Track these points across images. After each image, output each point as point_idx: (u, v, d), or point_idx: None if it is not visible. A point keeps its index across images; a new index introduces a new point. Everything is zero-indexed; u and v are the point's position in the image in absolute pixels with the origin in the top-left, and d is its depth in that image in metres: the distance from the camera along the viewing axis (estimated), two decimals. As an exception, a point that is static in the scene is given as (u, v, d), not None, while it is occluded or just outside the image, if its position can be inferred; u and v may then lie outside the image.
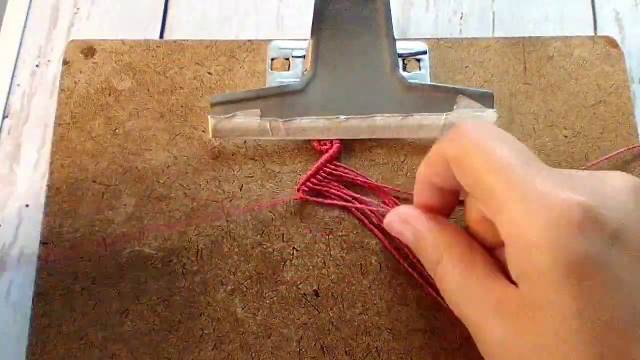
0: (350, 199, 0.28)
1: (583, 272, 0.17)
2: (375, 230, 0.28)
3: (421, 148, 0.30)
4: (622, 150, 0.29)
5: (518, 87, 0.31)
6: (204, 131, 0.30)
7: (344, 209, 0.28)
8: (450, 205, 0.24)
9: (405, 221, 0.24)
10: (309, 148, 0.30)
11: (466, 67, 0.31)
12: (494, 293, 0.20)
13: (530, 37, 0.32)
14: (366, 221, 0.28)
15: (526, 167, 0.19)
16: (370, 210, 0.28)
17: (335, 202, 0.28)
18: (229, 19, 0.34)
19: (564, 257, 0.17)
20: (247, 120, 0.29)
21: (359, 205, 0.28)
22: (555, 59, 0.32)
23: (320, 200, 0.28)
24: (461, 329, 0.22)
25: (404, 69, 0.31)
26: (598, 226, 0.17)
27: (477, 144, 0.20)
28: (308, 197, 0.28)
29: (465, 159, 0.20)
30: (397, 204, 0.28)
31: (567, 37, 0.32)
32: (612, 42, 0.32)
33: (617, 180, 0.20)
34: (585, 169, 0.29)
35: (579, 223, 0.17)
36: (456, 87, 0.29)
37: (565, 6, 0.35)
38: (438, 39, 0.32)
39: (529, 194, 0.18)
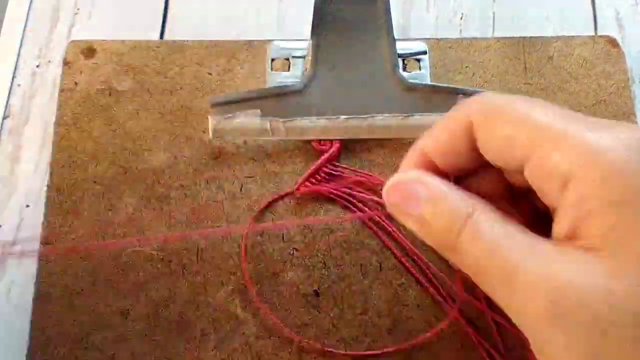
0: (349, 198, 0.28)
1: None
2: (375, 228, 0.28)
3: (421, 148, 0.30)
4: None
5: (518, 87, 0.31)
6: (204, 131, 0.30)
7: (344, 208, 0.28)
8: None
9: (415, 182, 0.19)
10: (309, 148, 0.30)
11: (466, 67, 0.32)
12: (546, 242, 0.17)
13: (530, 37, 0.32)
14: (366, 220, 0.28)
15: (570, 120, 0.16)
16: (369, 217, 0.28)
17: (332, 192, 0.28)
18: (229, 19, 0.34)
19: None
20: (247, 120, 0.29)
21: (359, 215, 0.28)
22: (556, 59, 0.32)
23: (321, 192, 0.28)
24: (462, 329, 0.22)
25: (404, 69, 0.31)
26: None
27: (510, 103, 0.18)
28: (305, 196, 0.28)
29: (497, 120, 0.17)
30: None
31: (567, 36, 0.32)
32: (612, 42, 0.32)
33: None
34: None
35: None
36: (456, 87, 0.29)
37: (565, 6, 0.35)
38: (438, 39, 0.32)
39: (585, 148, 0.16)
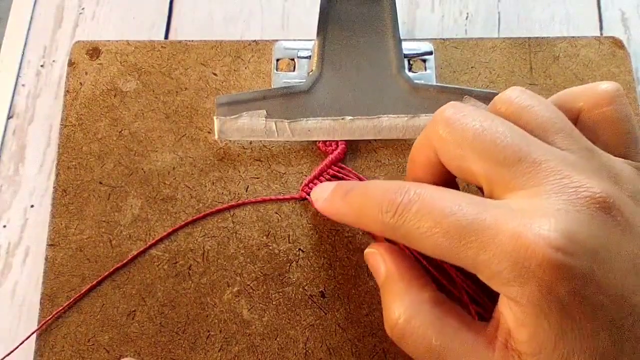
0: None
1: (572, 311, 0.17)
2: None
3: (427, 149, 0.30)
4: None
5: (524, 87, 0.31)
6: (209, 132, 0.30)
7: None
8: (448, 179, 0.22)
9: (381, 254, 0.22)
10: (315, 149, 0.30)
11: (472, 67, 0.31)
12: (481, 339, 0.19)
13: (536, 37, 0.32)
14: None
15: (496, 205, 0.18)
16: None
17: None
18: (234, 19, 0.34)
19: (552, 300, 0.17)
20: (253, 121, 0.29)
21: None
22: (561, 59, 0.32)
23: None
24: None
25: (410, 69, 0.31)
26: (578, 266, 0.16)
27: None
28: (310, 198, 0.28)
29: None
30: None
31: (572, 37, 0.32)
32: (617, 43, 0.32)
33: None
34: None
35: (560, 266, 0.16)
36: (462, 87, 0.29)
37: (571, 6, 0.35)
38: (443, 39, 0.32)
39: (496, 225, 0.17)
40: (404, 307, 0.20)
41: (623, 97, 0.21)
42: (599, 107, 0.21)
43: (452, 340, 0.19)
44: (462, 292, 0.22)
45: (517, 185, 0.18)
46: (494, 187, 0.19)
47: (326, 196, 0.24)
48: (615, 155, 0.20)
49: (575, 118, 0.21)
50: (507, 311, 0.18)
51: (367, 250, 0.23)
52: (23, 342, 0.26)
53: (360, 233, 0.28)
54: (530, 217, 0.17)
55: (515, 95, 0.20)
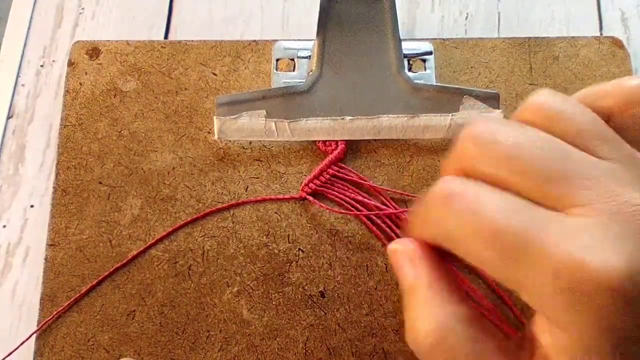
0: (353, 202, 0.28)
1: (630, 347, 0.15)
2: (378, 234, 0.28)
3: (427, 149, 0.30)
4: None
5: (524, 88, 0.31)
6: (209, 132, 0.30)
7: (350, 209, 0.28)
8: None
9: (410, 260, 0.20)
10: (315, 149, 0.29)
11: (471, 67, 0.31)
12: None
13: (536, 38, 0.32)
14: (370, 224, 0.28)
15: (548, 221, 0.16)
16: (375, 215, 0.28)
17: (335, 209, 0.28)
18: (234, 19, 0.34)
19: (610, 333, 0.15)
20: (252, 120, 0.29)
21: (359, 213, 0.28)
22: (561, 60, 0.32)
23: (322, 205, 0.28)
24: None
25: (410, 69, 0.31)
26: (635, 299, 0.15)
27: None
28: (310, 198, 0.28)
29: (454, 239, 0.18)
30: (396, 209, 0.28)
31: (572, 37, 0.32)
32: (617, 43, 0.32)
33: None
34: None
35: (626, 297, 0.15)
36: (462, 87, 0.29)
37: (571, 6, 0.35)
38: (443, 39, 0.32)
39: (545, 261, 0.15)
40: (437, 322, 0.18)
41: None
42: (632, 106, 0.19)
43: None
44: (510, 309, 0.20)
45: (566, 204, 0.16)
46: (543, 205, 0.17)
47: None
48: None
49: (607, 119, 0.19)
50: (547, 337, 0.16)
51: (392, 246, 0.20)
52: (23, 342, 0.26)
53: (360, 233, 0.28)
54: (591, 239, 0.15)
55: (544, 101, 0.18)
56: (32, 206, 0.30)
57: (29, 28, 0.34)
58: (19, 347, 0.26)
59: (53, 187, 0.29)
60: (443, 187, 0.17)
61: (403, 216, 0.28)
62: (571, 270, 0.15)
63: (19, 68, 0.33)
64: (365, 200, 0.28)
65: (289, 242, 0.28)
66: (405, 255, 0.19)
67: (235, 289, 0.27)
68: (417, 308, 0.19)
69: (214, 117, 0.29)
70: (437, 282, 0.19)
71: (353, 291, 0.27)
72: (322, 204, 0.28)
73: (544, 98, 0.18)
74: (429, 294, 0.18)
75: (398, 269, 0.20)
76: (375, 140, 0.30)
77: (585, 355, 0.16)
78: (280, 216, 0.28)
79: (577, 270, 0.15)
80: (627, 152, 0.18)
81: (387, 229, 0.28)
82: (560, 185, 0.16)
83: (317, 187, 0.28)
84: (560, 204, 0.16)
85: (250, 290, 0.27)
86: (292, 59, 0.31)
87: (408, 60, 0.31)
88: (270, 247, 0.28)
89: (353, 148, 0.30)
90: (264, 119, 0.29)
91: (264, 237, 0.28)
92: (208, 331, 0.26)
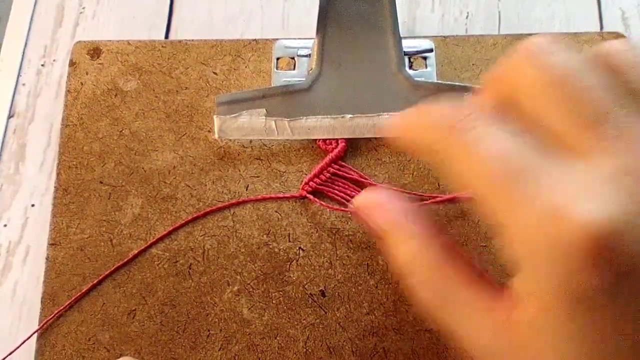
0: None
1: (590, 309, 0.14)
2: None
3: (427, 147, 0.29)
4: None
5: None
6: (209, 131, 0.30)
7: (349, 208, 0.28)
8: None
9: (375, 206, 0.20)
10: (315, 147, 0.29)
11: (473, 64, 0.31)
12: (483, 301, 0.17)
13: (538, 34, 0.32)
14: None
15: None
16: None
17: (336, 208, 0.28)
18: (234, 18, 0.34)
19: (572, 289, 0.14)
20: (253, 119, 0.29)
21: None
22: (562, 57, 0.31)
23: (323, 203, 0.28)
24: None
25: (410, 67, 0.31)
26: (617, 261, 0.14)
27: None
28: (310, 196, 0.28)
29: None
30: None
31: (574, 33, 0.32)
32: (620, 38, 0.32)
33: None
34: None
35: (590, 256, 0.14)
36: (463, 84, 0.29)
37: (571, 5, 0.34)
38: (444, 37, 0.32)
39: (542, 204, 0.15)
40: (411, 243, 0.18)
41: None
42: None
43: (458, 290, 0.17)
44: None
45: (590, 150, 0.15)
46: (566, 147, 0.16)
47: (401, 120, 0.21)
48: None
49: None
50: (523, 284, 0.16)
51: (357, 202, 0.20)
52: (24, 342, 0.26)
53: (361, 232, 0.28)
54: (585, 189, 0.14)
55: (626, 48, 0.17)
56: (32, 205, 0.30)
57: (29, 27, 0.34)
58: (20, 346, 0.26)
59: (54, 187, 0.29)
60: (469, 117, 0.17)
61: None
62: (551, 218, 0.14)
63: (20, 67, 0.33)
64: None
65: (290, 241, 0.28)
66: (371, 204, 0.20)
67: (236, 287, 0.27)
68: (393, 238, 0.19)
69: (214, 116, 0.29)
70: (409, 217, 0.19)
71: (354, 290, 0.27)
72: (322, 203, 0.28)
73: (625, 45, 0.17)
74: (405, 227, 0.19)
75: (368, 218, 0.20)
76: (375, 138, 0.29)
77: (543, 312, 0.15)
78: (280, 215, 0.28)
79: (556, 216, 0.14)
80: None
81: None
82: (595, 129, 0.15)
83: (318, 186, 0.28)
84: (585, 148, 0.15)
85: (251, 289, 0.27)
86: (293, 58, 0.31)
87: (409, 58, 0.31)
88: (270, 246, 0.28)
89: (353, 146, 0.29)
90: (264, 117, 0.29)
91: (265, 235, 0.28)
92: (208, 330, 0.26)
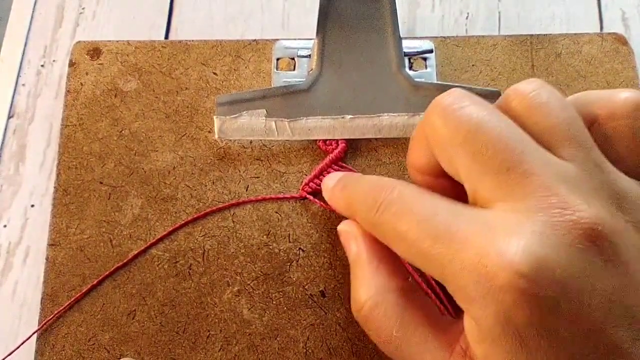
0: None
1: (528, 340, 0.16)
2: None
3: (428, 147, 0.29)
4: None
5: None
6: (209, 131, 0.30)
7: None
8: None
9: (352, 236, 0.22)
10: (315, 148, 0.29)
11: (473, 65, 0.31)
12: (441, 341, 0.19)
13: (538, 35, 0.32)
14: None
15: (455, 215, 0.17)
16: None
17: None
18: (234, 19, 0.34)
19: (509, 326, 0.16)
20: (253, 120, 0.29)
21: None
22: (563, 56, 0.31)
23: (323, 204, 0.28)
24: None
25: (410, 68, 0.31)
26: (541, 296, 0.15)
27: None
28: (311, 197, 0.28)
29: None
30: None
31: (575, 34, 0.32)
32: (620, 39, 0.32)
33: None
34: None
35: (522, 294, 0.15)
36: (463, 85, 0.29)
37: (571, 6, 0.34)
38: (444, 37, 0.32)
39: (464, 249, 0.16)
40: (370, 292, 0.20)
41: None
42: (616, 118, 0.18)
43: (413, 334, 0.19)
44: (434, 289, 0.22)
45: (500, 197, 0.17)
46: (477, 194, 0.18)
47: (330, 186, 0.24)
48: (629, 175, 0.18)
49: (590, 125, 0.19)
50: (469, 324, 0.17)
51: (340, 227, 0.22)
52: (24, 342, 0.26)
53: (361, 232, 0.28)
54: (502, 235, 0.16)
55: (531, 89, 0.18)
56: (32, 206, 0.30)
57: (29, 28, 0.34)
58: (19, 346, 0.26)
59: (54, 187, 0.29)
60: (386, 196, 0.19)
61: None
62: (477, 264, 0.16)
63: (20, 68, 0.33)
64: None
65: (290, 242, 0.28)
66: (350, 234, 0.22)
67: (236, 288, 0.27)
68: (357, 280, 0.21)
69: (214, 117, 0.29)
70: (375, 258, 0.21)
71: (354, 290, 0.27)
72: (322, 203, 0.28)
73: (530, 87, 0.18)
74: (367, 267, 0.20)
75: (345, 246, 0.22)
76: (375, 139, 0.29)
77: (493, 349, 0.16)
78: (280, 215, 0.28)
79: (481, 262, 0.16)
80: (594, 159, 0.17)
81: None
82: (502, 176, 0.17)
83: (318, 186, 0.28)
84: (495, 196, 0.17)
85: (251, 290, 0.27)
86: (293, 58, 0.31)
87: (409, 59, 0.31)
88: (270, 247, 0.28)
89: (353, 147, 0.29)
90: (264, 118, 0.29)
91: (265, 236, 0.28)
92: (208, 331, 0.26)
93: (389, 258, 0.21)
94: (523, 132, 0.17)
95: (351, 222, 0.22)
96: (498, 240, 0.16)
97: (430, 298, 0.21)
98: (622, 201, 0.17)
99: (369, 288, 0.20)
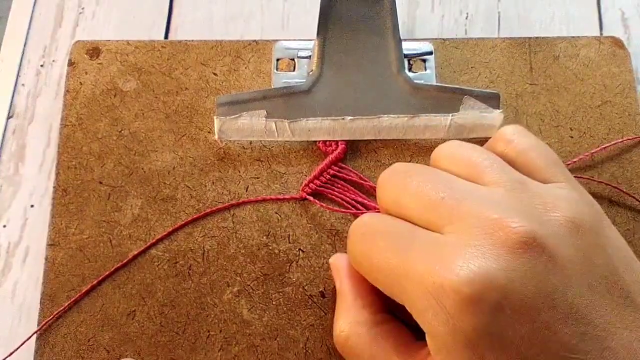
0: (353, 202, 0.28)
1: (477, 345, 0.17)
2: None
3: (427, 148, 0.30)
4: (620, 140, 0.30)
5: (524, 88, 0.31)
6: (209, 132, 0.30)
7: (349, 209, 0.28)
8: None
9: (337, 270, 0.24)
10: (315, 149, 0.30)
11: (472, 67, 0.31)
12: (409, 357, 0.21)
13: (536, 37, 0.32)
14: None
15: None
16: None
17: (336, 209, 0.28)
18: (234, 19, 0.34)
19: (457, 333, 0.17)
20: (253, 120, 0.29)
21: (360, 213, 0.28)
22: (561, 59, 0.32)
23: (323, 205, 0.28)
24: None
25: (410, 69, 0.31)
26: (484, 302, 0.17)
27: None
28: (310, 198, 0.28)
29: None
30: None
31: (573, 37, 0.32)
32: (618, 42, 0.32)
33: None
34: (581, 159, 0.29)
35: (465, 301, 0.17)
36: (462, 87, 0.29)
37: (571, 6, 0.35)
38: (444, 39, 0.32)
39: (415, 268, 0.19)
40: (344, 325, 0.22)
41: (522, 132, 0.22)
42: (508, 145, 0.22)
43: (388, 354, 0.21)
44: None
45: (442, 224, 0.19)
46: (431, 227, 0.20)
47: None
48: (544, 182, 0.21)
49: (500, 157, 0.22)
50: (428, 339, 0.19)
51: (330, 260, 0.25)
52: (24, 342, 0.26)
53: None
54: (448, 251, 0.18)
55: (449, 149, 0.22)
56: (32, 206, 0.30)
57: (29, 28, 0.34)
58: (19, 346, 0.26)
59: (53, 187, 0.29)
60: (359, 230, 0.22)
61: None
62: (427, 281, 0.18)
63: (19, 68, 0.33)
64: (366, 200, 0.28)
65: (289, 242, 0.28)
66: (336, 268, 0.24)
67: (236, 289, 0.27)
68: (337, 312, 0.23)
69: (214, 117, 0.29)
70: (353, 291, 0.23)
71: (353, 291, 0.27)
72: (322, 204, 0.28)
73: (449, 149, 0.22)
74: (347, 301, 0.23)
75: (334, 279, 0.24)
76: (375, 140, 0.30)
77: (447, 357, 0.18)
78: (280, 216, 0.28)
79: (430, 279, 0.18)
80: (517, 178, 0.20)
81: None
82: (439, 208, 0.20)
83: (318, 187, 0.28)
84: (439, 225, 0.20)
85: (251, 290, 0.27)
86: (293, 59, 0.31)
87: (408, 60, 0.31)
88: (270, 247, 0.28)
89: (353, 148, 0.30)
90: (264, 119, 0.29)
91: (264, 237, 0.28)
92: (208, 331, 0.26)
93: (368, 292, 0.23)
94: (447, 174, 0.21)
95: (340, 255, 0.24)
96: (444, 256, 0.18)
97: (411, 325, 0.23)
98: (547, 205, 0.19)
99: (344, 321, 0.22)
